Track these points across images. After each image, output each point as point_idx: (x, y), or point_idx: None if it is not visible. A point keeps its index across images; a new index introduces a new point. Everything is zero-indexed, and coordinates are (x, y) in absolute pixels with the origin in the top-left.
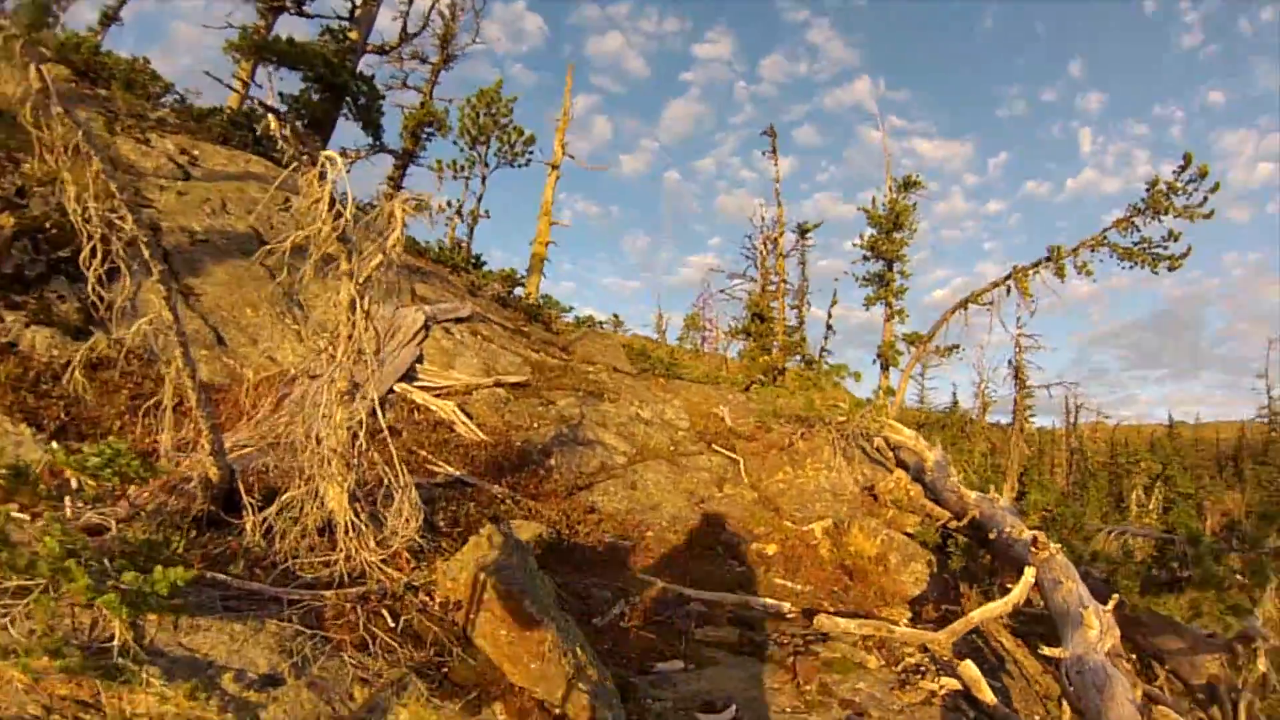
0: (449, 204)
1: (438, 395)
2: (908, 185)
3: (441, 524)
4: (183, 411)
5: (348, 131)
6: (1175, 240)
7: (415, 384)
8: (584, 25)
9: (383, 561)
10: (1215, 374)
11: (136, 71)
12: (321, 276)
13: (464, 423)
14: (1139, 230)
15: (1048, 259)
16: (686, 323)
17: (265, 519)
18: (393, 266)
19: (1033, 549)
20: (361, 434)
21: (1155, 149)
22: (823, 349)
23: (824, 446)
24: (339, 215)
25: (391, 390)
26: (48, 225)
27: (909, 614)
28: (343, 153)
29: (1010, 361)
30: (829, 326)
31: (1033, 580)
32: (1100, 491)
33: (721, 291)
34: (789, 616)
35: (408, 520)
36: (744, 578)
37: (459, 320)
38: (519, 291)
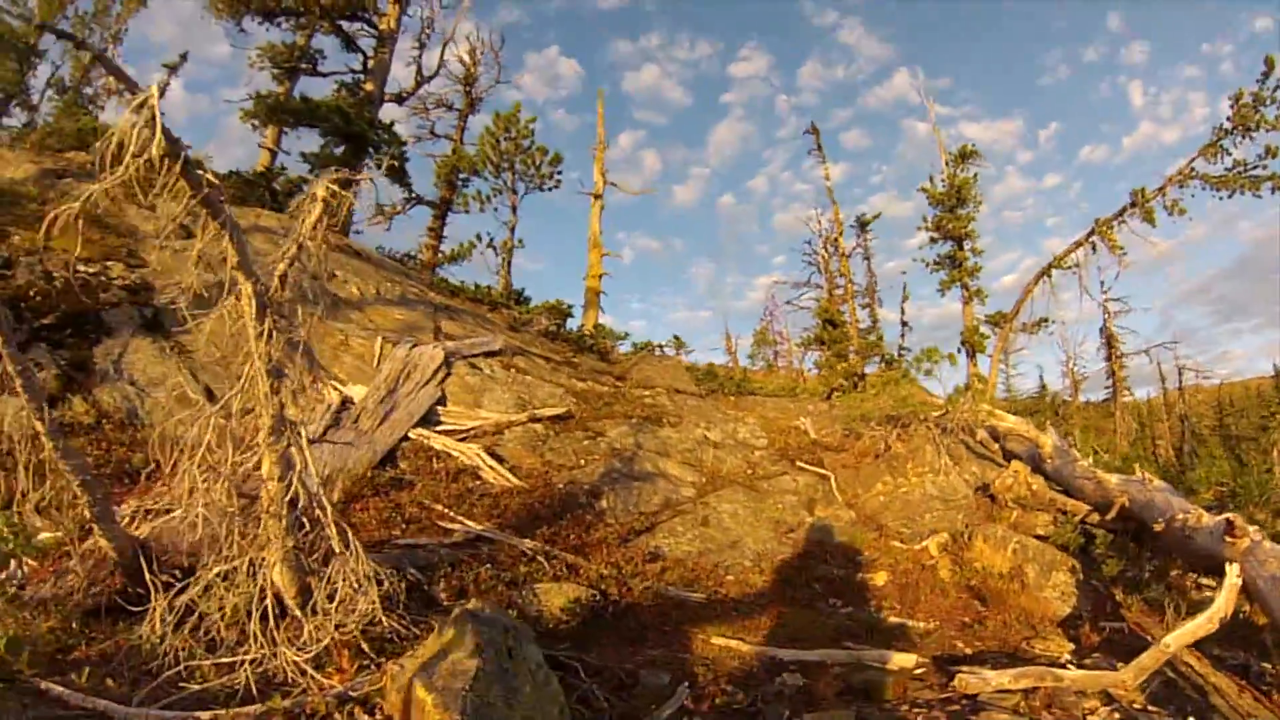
0: (479, 238)
1: (462, 438)
2: (964, 156)
3: (443, 595)
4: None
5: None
6: (1274, 156)
7: (437, 428)
8: (619, 62)
9: (317, 660)
10: None
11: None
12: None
13: (491, 467)
14: (1229, 154)
15: (1132, 205)
16: (755, 339)
17: (175, 603)
18: (312, 258)
19: (1227, 538)
20: (298, 483)
21: (1210, 89)
22: (901, 347)
23: (924, 446)
24: (189, 170)
25: (406, 437)
26: (31, 293)
27: (1069, 645)
28: (380, 210)
29: (1101, 330)
30: (904, 323)
31: (1239, 580)
32: (1217, 457)
33: (788, 303)
34: (917, 672)
35: (350, 600)
36: (851, 622)
37: (489, 354)
38: (574, 324)
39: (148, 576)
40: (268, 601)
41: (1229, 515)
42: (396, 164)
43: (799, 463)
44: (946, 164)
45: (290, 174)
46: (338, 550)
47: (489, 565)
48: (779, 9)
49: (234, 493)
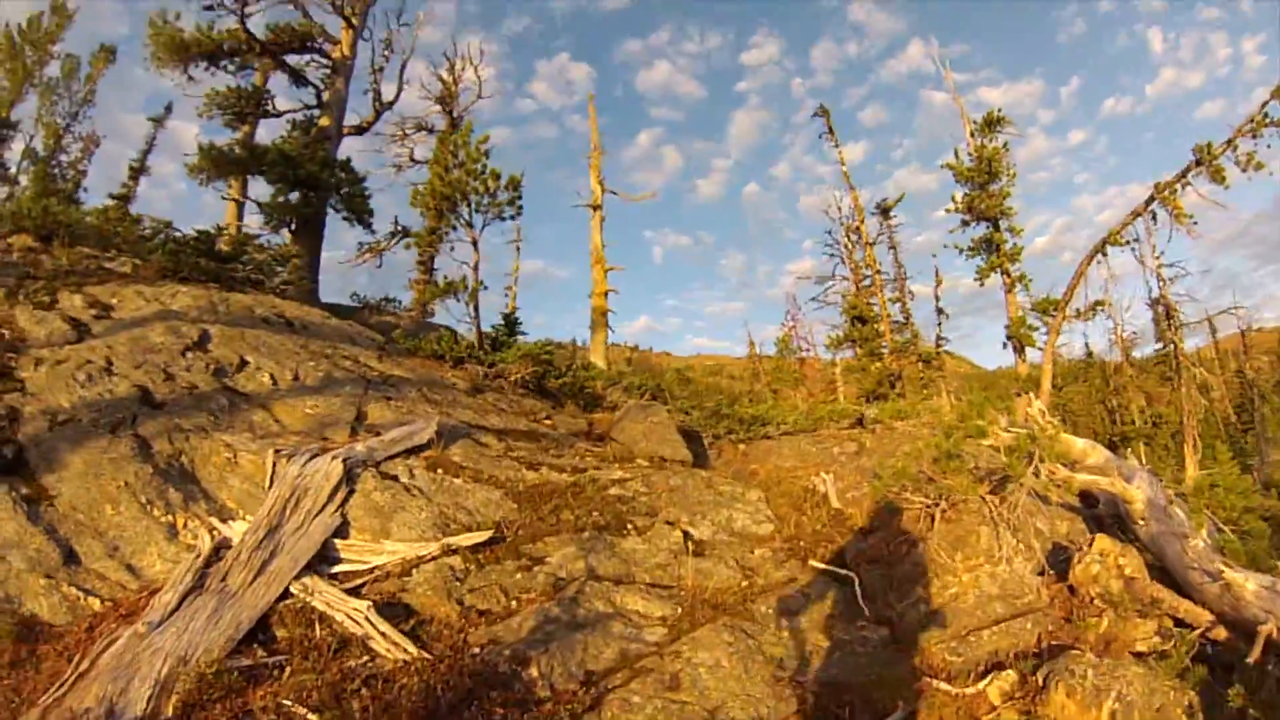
0: (444, 281)
1: (359, 585)
2: (990, 124)
3: None
4: None
5: (341, 227)
6: None
7: (335, 569)
8: (629, 61)
9: None
10: None
11: (109, 221)
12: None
13: (383, 634)
14: None
15: (1196, 163)
16: (779, 346)
17: None
18: None
19: None
20: None
21: (1231, 29)
22: (938, 337)
23: (976, 529)
24: None
25: (287, 592)
26: None
27: None
28: (363, 248)
29: (1156, 301)
30: (939, 311)
31: None
32: (1278, 414)
33: (813, 300)
34: None
35: None
36: None
37: (413, 451)
38: (583, 339)
39: None
40: None
41: None
42: (357, 204)
43: (813, 560)
44: (971, 134)
45: (246, 229)
46: None
47: None
48: None
49: None
